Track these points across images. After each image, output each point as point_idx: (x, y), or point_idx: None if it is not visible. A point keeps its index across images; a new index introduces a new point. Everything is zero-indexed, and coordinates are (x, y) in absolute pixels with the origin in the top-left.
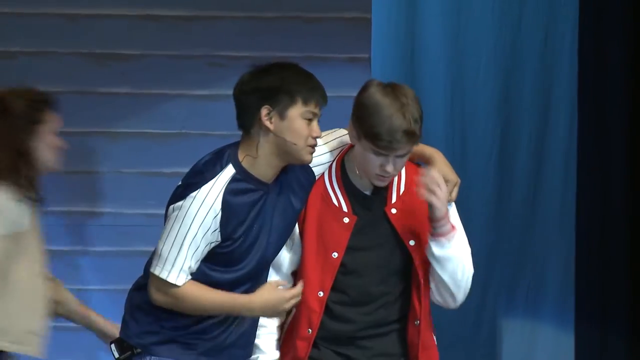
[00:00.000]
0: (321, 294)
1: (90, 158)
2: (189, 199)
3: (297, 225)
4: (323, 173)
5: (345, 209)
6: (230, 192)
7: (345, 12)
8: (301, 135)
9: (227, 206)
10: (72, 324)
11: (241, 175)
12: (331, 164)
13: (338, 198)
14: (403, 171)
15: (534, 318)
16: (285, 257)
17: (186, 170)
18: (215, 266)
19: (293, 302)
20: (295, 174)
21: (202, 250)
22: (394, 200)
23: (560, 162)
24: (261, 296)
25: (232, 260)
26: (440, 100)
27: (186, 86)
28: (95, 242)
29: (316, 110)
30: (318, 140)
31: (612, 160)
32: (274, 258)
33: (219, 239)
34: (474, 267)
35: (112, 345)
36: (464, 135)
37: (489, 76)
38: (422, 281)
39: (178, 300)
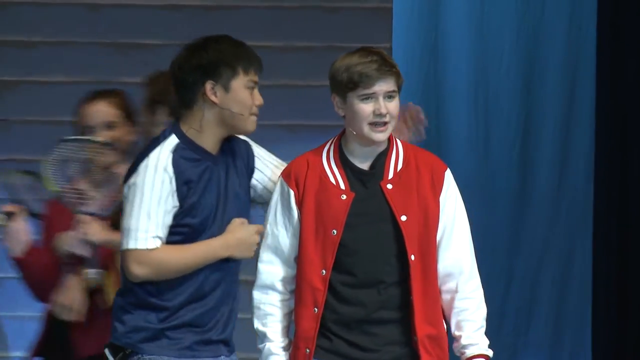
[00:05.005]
0: (324, 272)
1: None
2: (141, 170)
3: (295, 209)
4: (321, 155)
5: (342, 186)
6: (178, 157)
7: (366, 2)
8: (246, 105)
9: (178, 170)
10: None
11: (186, 145)
12: (329, 147)
13: (335, 176)
14: (401, 148)
15: (558, 309)
16: (286, 242)
17: None
18: (179, 244)
19: (257, 236)
20: (239, 152)
21: (166, 216)
22: (390, 176)
23: (585, 152)
24: (233, 233)
25: (194, 233)
26: (463, 90)
27: None
28: None
29: (256, 79)
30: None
31: (630, 155)
32: None
33: (177, 204)
34: (497, 259)
35: (106, 350)
36: (487, 125)
37: (512, 65)
38: (410, 260)
39: (159, 265)
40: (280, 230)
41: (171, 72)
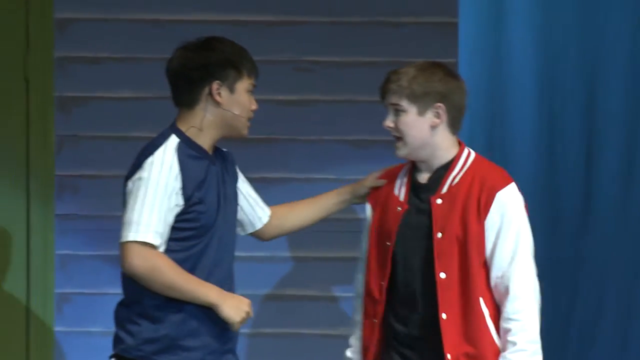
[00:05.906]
0: (383, 283)
1: None
2: (146, 166)
3: (370, 220)
4: (402, 168)
5: (402, 198)
6: (182, 155)
7: (432, 17)
8: (246, 108)
9: (184, 167)
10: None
11: (186, 143)
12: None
13: (400, 188)
14: (469, 163)
15: (625, 326)
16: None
17: (274, 175)
18: (185, 241)
19: (248, 312)
20: (228, 159)
21: (168, 213)
22: (444, 190)
23: None
24: (232, 293)
25: (202, 229)
26: (528, 104)
27: (273, 91)
28: None
29: (255, 83)
30: None
31: None
32: (233, 237)
33: (182, 202)
34: (562, 273)
35: None
36: (551, 137)
37: (578, 76)
38: (437, 277)
39: (153, 267)
40: (364, 241)
41: (171, 71)
